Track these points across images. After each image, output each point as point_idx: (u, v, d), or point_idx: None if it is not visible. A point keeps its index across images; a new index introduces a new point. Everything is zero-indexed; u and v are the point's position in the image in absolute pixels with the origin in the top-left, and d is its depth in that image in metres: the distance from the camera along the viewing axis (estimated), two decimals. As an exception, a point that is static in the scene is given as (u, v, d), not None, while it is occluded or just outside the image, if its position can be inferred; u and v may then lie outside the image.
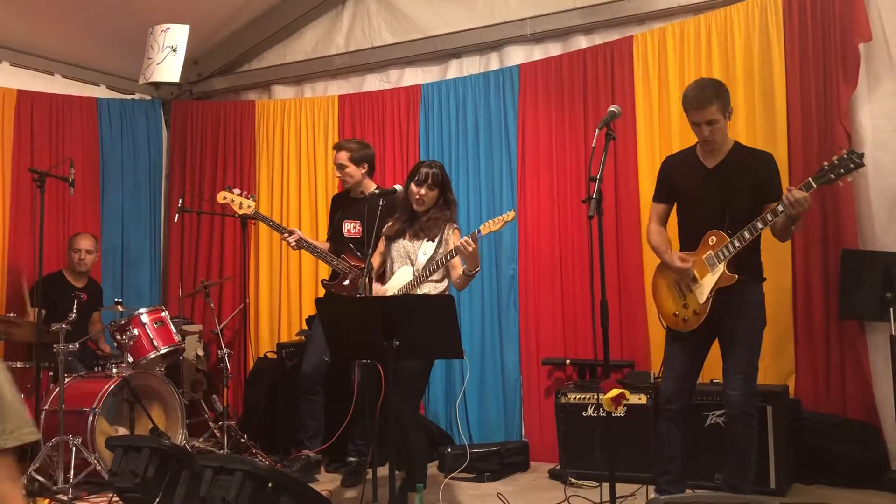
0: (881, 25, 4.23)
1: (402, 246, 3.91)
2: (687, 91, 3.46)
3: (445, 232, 3.86)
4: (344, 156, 4.61)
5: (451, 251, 3.70)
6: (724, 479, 3.51)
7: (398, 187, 4.00)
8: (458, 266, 3.73)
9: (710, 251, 3.40)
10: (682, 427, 3.56)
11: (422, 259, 3.82)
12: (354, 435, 4.60)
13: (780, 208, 3.20)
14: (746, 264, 3.39)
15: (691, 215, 3.59)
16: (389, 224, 3.98)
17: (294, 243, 4.56)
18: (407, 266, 3.87)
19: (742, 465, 3.40)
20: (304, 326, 5.46)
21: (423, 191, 3.85)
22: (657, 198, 3.73)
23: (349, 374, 4.57)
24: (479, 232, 3.58)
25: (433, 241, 3.83)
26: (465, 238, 3.56)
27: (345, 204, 4.75)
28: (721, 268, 3.36)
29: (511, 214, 3.61)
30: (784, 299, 4.37)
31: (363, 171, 4.64)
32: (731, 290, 3.37)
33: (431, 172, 3.86)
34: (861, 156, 3.10)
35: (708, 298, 3.38)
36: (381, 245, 4.04)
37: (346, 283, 4.51)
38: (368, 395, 3.74)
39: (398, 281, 3.86)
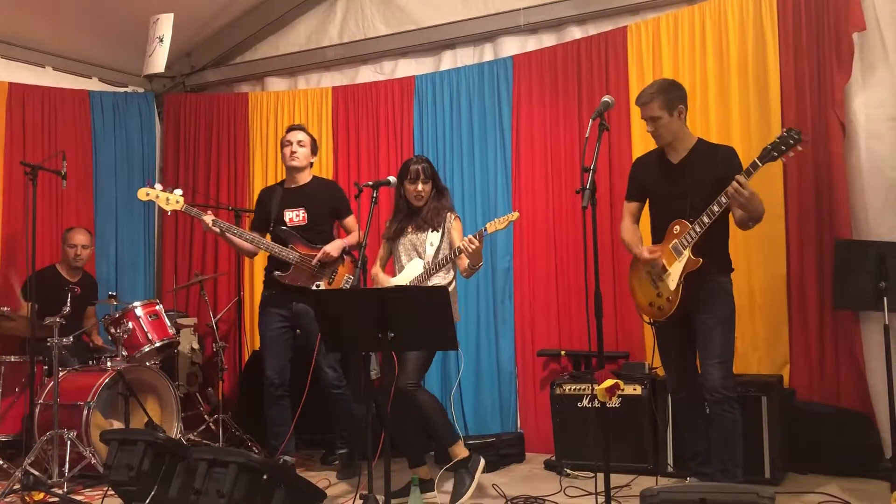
0: (875, 15, 4.21)
1: (407, 240, 4.05)
2: (641, 92, 3.68)
3: (447, 221, 4.01)
4: (306, 137, 4.57)
5: (456, 248, 3.81)
6: (715, 468, 3.53)
7: (392, 179, 4.03)
8: (463, 259, 3.83)
9: (676, 239, 3.53)
10: (698, 410, 3.67)
11: (430, 250, 3.96)
12: (343, 427, 4.61)
13: (724, 199, 3.34)
14: (713, 255, 3.50)
15: (660, 210, 3.72)
16: (388, 226, 4.12)
17: (210, 224, 4.38)
18: (416, 259, 3.99)
19: (731, 449, 3.46)
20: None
21: (419, 187, 3.99)
22: (628, 196, 3.88)
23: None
24: (485, 230, 3.70)
25: (437, 230, 3.98)
26: (470, 237, 3.69)
27: (279, 195, 4.59)
28: (686, 253, 3.47)
29: (516, 214, 3.75)
30: (778, 289, 4.38)
31: (313, 159, 4.64)
32: (700, 281, 3.48)
33: (422, 167, 4.00)
34: (799, 133, 3.23)
35: (678, 285, 3.49)
36: (384, 247, 4.19)
37: (295, 272, 4.44)
38: (360, 383, 3.76)
39: (409, 273, 3.96)
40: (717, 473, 3.50)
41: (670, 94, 3.56)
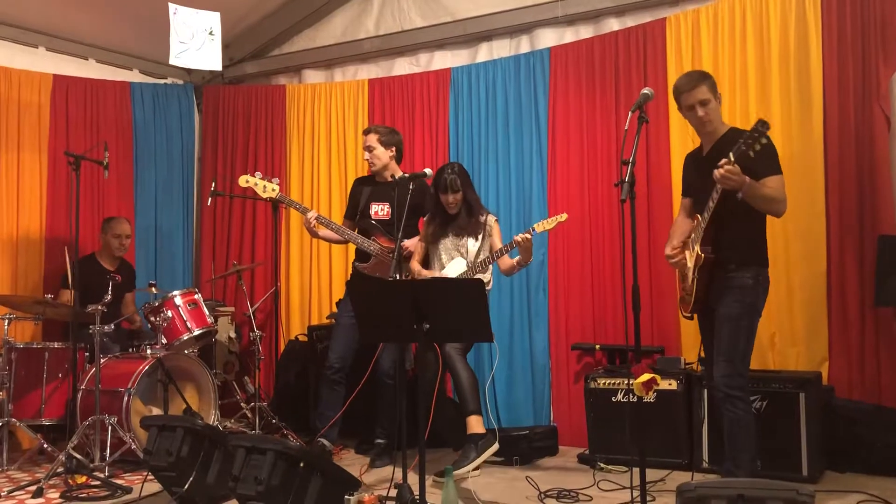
0: (923, 5, 4.14)
1: (448, 242, 4.26)
2: (676, 83, 3.56)
3: (487, 225, 4.25)
4: (373, 138, 4.67)
5: (508, 244, 4.03)
6: (724, 466, 3.50)
7: (428, 171, 4.10)
8: (505, 259, 4.09)
9: (693, 234, 3.51)
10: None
11: (472, 249, 4.18)
12: (382, 417, 4.66)
13: (715, 193, 3.27)
14: (731, 249, 3.39)
15: (696, 204, 3.64)
16: (425, 228, 4.32)
17: (314, 220, 4.56)
18: (459, 258, 4.17)
19: (735, 449, 3.38)
20: (335, 309, 5.49)
21: (450, 198, 4.23)
22: (682, 192, 3.86)
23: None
24: (533, 230, 3.96)
25: (477, 238, 4.23)
26: (522, 234, 3.94)
27: (371, 187, 4.77)
28: (696, 248, 3.41)
29: (564, 216, 3.97)
30: (818, 285, 4.32)
31: (391, 154, 4.69)
32: (715, 275, 3.40)
33: (452, 178, 4.20)
34: (764, 123, 3.10)
35: (693, 279, 3.45)
36: (420, 249, 4.40)
37: (375, 263, 4.55)
38: (395, 376, 3.80)
39: (453, 269, 4.11)
40: (724, 472, 3.47)
41: (713, 81, 3.50)
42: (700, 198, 3.54)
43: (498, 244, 4.22)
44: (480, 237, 4.24)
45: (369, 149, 4.67)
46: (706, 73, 3.59)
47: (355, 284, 4.59)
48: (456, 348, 4.14)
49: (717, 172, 3.20)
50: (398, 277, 4.37)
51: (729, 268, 3.40)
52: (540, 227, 3.96)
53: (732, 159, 3.16)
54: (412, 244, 4.55)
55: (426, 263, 4.46)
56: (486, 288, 4.14)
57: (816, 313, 4.32)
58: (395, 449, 4.56)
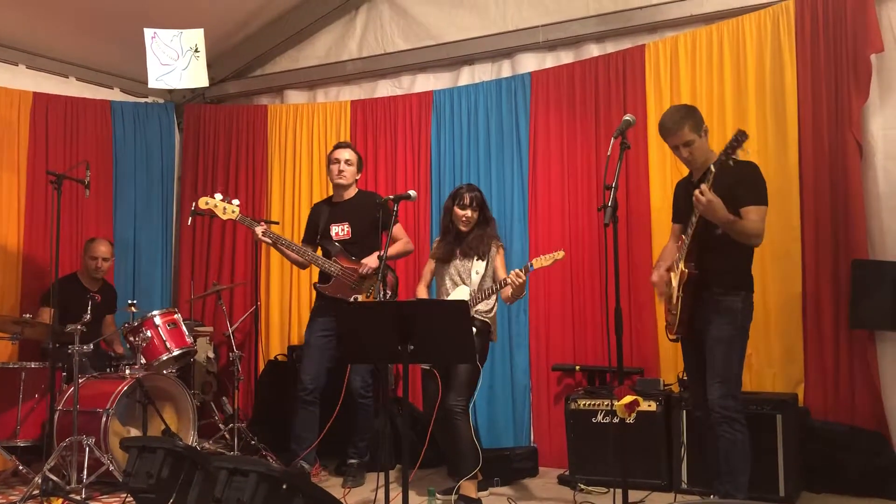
0: (893, 36, 4.25)
1: (453, 267, 4.25)
2: (661, 120, 3.60)
3: (492, 250, 4.22)
4: (352, 154, 4.71)
5: (501, 281, 4.05)
6: (716, 487, 3.51)
7: (413, 193, 4.11)
8: (507, 288, 4.06)
9: (678, 254, 3.55)
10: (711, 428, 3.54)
11: (475, 278, 4.18)
12: (354, 437, 4.66)
13: (696, 211, 3.34)
14: (719, 274, 3.45)
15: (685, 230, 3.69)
16: (437, 246, 4.35)
17: (260, 233, 4.51)
18: (463, 286, 4.19)
19: (732, 471, 3.39)
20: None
21: (468, 213, 4.22)
22: (672, 218, 3.89)
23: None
24: (530, 265, 3.96)
25: (482, 259, 4.20)
26: (516, 270, 3.94)
27: (326, 209, 4.78)
28: (680, 266, 3.47)
29: (561, 253, 3.96)
30: (793, 308, 4.39)
31: (358, 176, 4.79)
32: (703, 297, 3.45)
33: (473, 196, 4.23)
34: (743, 133, 3.19)
35: (678, 297, 3.47)
36: (431, 265, 4.41)
37: (336, 284, 4.57)
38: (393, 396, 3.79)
39: (457, 298, 4.12)
40: (719, 495, 3.48)
41: (696, 116, 3.53)
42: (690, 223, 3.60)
43: (500, 272, 4.18)
44: (486, 260, 4.21)
45: (348, 162, 4.67)
46: (690, 109, 3.61)
47: (341, 308, 4.58)
48: (459, 403, 4.07)
49: (694, 194, 3.29)
50: (359, 299, 4.43)
51: (716, 291, 3.45)
52: (537, 263, 3.95)
53: (714, 170, 3.26)
54: (373, 262, 4.53)
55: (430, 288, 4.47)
56: (489, 315, 4.19)
57: (792, 335, 4.40)
58: (370, 470, 4.60)
